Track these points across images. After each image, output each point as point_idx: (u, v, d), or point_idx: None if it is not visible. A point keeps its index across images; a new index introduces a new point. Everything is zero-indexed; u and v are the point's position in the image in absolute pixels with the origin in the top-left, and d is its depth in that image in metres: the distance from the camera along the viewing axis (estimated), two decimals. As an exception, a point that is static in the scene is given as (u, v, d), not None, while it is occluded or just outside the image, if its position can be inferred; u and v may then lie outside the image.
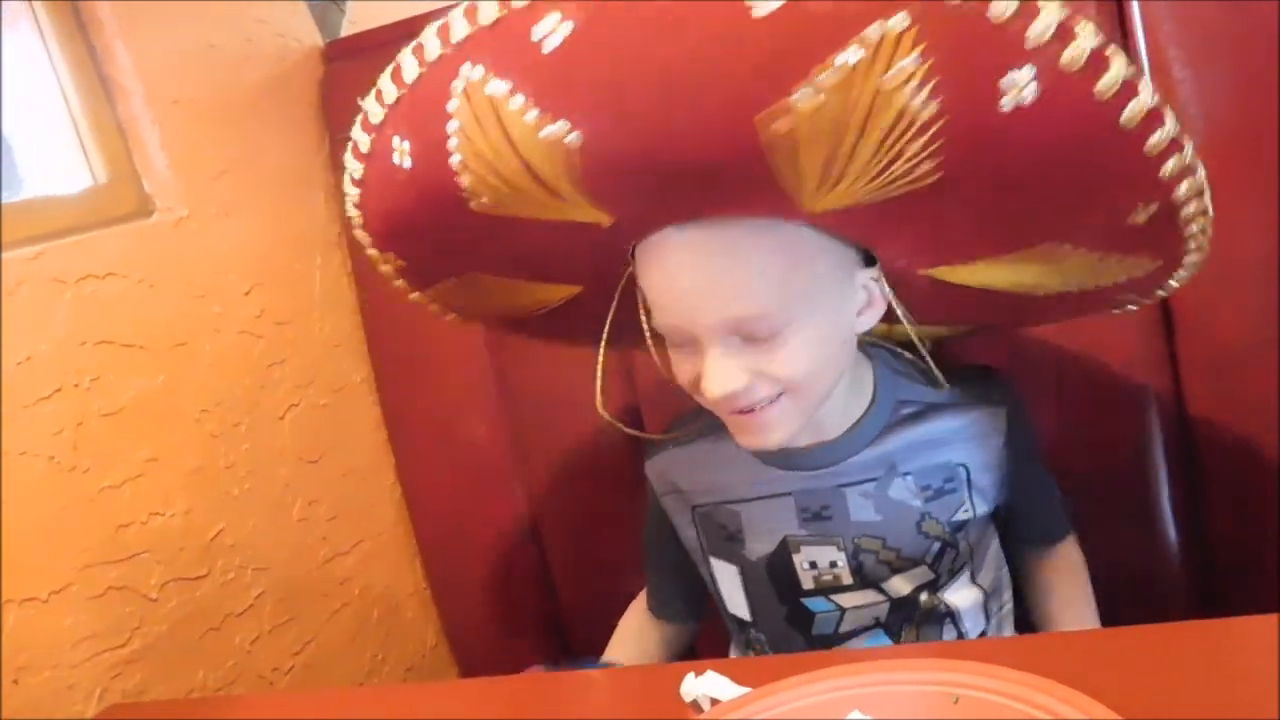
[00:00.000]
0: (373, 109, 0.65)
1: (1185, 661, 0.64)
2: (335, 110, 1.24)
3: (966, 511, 0.83)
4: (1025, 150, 0.58)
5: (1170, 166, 0.60)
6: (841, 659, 0.68)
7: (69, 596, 0.92)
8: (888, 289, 0.76)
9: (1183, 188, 0.63)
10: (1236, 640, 0.67)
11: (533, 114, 0.58)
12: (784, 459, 0.83)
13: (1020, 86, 0.54)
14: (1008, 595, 0.91)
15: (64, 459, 0.93)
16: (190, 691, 1.02)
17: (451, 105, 0.61)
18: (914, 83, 0.53)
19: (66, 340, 0.94)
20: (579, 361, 0.89)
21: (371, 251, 0.79)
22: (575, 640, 1.25)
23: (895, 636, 0.85)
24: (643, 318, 0.78)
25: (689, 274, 0.70)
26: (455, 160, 0.63)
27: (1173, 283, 0.77)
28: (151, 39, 1.05)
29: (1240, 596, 0.99)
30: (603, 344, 0.82)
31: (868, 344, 0.85)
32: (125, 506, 0.97)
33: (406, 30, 1.15)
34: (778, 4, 0.51)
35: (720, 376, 0.71)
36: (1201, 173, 0.62)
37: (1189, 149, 0.60)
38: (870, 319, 0.77)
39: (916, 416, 0.83)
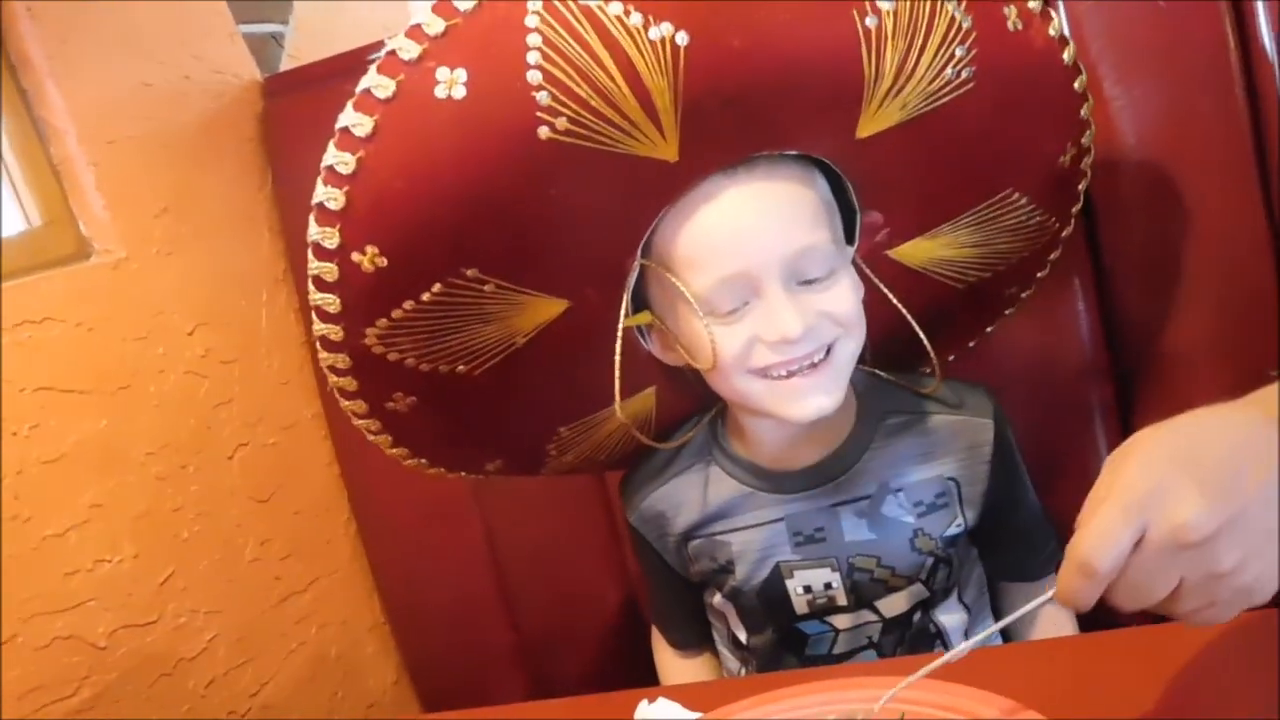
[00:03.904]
0: (405, 46, 0.64)
1: (1119, 668, 0.66)
2: (276, 145, 1.23)
3: (958, 525, 0.84)
4: (1016, 65, 0.73)
5: (1086, 109, 0.79)
6: (800, 679, 0.68)
7: (14, 648, 0.90)
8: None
9: (1088, 135, 0.82)
10: (1175, 645, 0.67)
11: (636, 18, 0.62)
12: (775, 483, 0.84)
13: (1014, 16, 0.72)
14: (989, 621, 0.91)
15: (5, 508, 0.91)
16: (144, 740, 1.00)
17: (530, 21, 0.62)
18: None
19: (4, 387, 0.92)
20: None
21: (325, 268, 0.70)
22: (540, 673, 1.24)
23: (886, 658, 0.86)
24: (669, 314, 0.79)
25: (749, 212, 0.73)
26: (534, 76, 0.63)
27: (1052, 257, 0.91)
28: (84, 79, 1.03)
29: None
30: (618, 341, 0.79)
31: None
32: (71, 554, 0.96)
33: (347, 64, 1.16)
34: None
35: (793, 315, 0.73)
36: (1093, 130, 0.82)
37: (1090, 101, 0.79)
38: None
39: (905, 426, 0.84)
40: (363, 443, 1.25)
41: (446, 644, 1.27)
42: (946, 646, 0.86)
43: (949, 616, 0.87)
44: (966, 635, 0.88)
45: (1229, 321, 0.93)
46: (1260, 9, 0.89)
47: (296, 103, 1.22)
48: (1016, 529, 0.88)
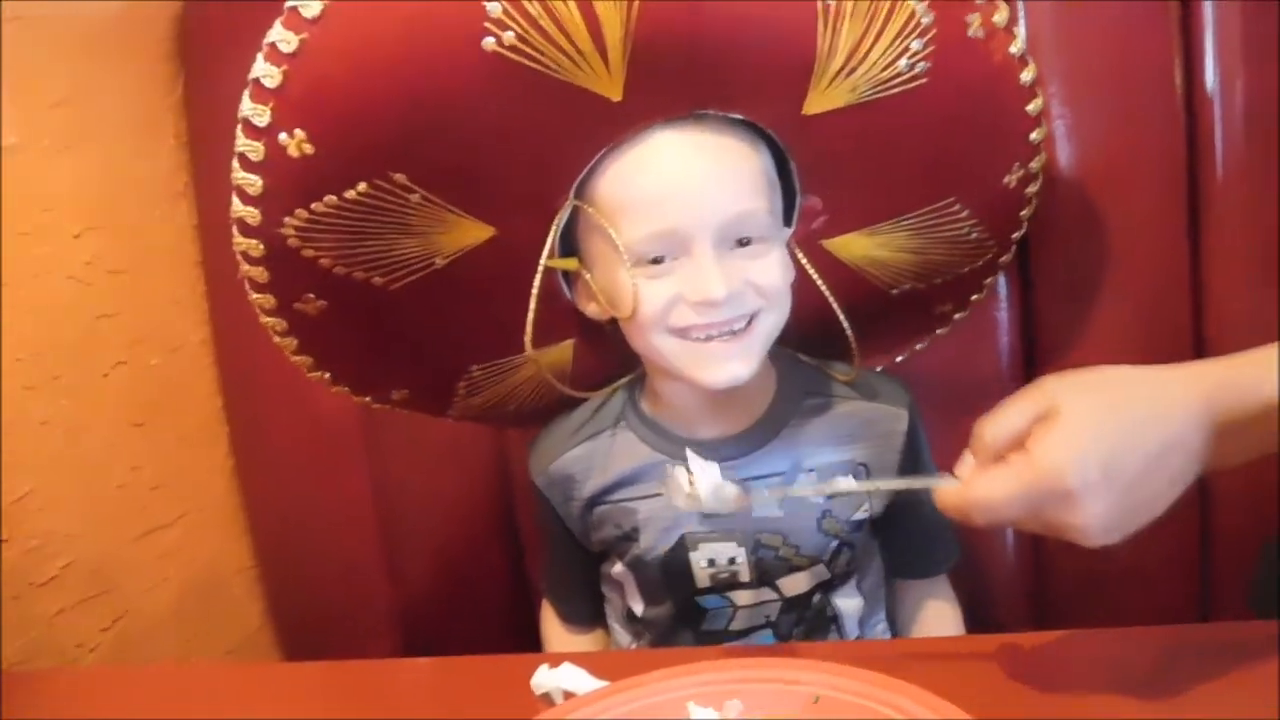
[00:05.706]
0: None
1: (1029, 669, 0.66)
2: (191, 51, 1.15)
3: (865, 510, 0.85)
4: (971, 74, 0.75)
5: (1038, 134, 0.81)
6: (712, 655, 0.67)
7: None
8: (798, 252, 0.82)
9: (1037, 161, 0.83)
10: (1071, 651, 0.70)
11: None
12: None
13: (976, 24, 0.72)
14: (882, 613, 0.92)
15: None
16: (-19, 666, 0.93)
17: None
18: None
19: None
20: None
21: (252, 146, 0.68)
22: (413, 633, 1.19)
23: (783, 638, 0.86)
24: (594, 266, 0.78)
25: (689, 168, 0.73)
26: None
27: (987, 281, 0.93)
28: (-11, -54, 0.95)
29: (1075, 612, 1.03)
30: (538, 276, 0.78)
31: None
32: (-83, 459, 0.88)
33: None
34: None
35: (718, 278, 0.72)
36: (1044, 157, 0.84)
37: (1044, 128, 0.81)
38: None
39: (821, 409, 0.85)
40: (250, 374, 1.19)
41: (318, 594, 1.21)
42: (842, 632, 0.87)
43: (846, 601, 0.87)
44: (861, 624, 0.88)
45: (1145, 346, 0.95)
46: (1209, 47, 0.91)
47: (216, 8, 1.15)
48: (917, 523, 0.88)
